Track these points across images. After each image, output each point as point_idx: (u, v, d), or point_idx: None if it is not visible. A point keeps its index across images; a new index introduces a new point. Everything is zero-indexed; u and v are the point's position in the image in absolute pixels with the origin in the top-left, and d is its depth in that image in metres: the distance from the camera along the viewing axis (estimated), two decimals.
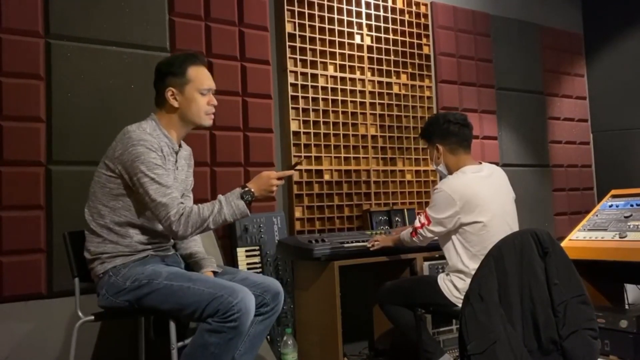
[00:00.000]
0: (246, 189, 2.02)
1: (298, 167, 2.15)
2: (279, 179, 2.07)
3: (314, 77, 3.49)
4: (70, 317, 2.61)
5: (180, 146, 2.20)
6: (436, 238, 2.62)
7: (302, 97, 3.43)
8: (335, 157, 3.55)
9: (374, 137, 3.73)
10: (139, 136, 1.99)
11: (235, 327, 1.87)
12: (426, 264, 3.08)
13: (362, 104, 3.69)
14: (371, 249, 2.88)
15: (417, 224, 2.62)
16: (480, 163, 2.65)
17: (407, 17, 3.96)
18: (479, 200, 2.47)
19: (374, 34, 3.78)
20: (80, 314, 2.10)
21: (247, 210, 2.00)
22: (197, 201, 2.86)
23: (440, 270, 2.99)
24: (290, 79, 3.39)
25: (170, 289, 1.93)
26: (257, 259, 3.09)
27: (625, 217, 3.21)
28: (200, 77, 2.13)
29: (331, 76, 3.57)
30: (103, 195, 2.04)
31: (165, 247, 2.17)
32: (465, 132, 2.63)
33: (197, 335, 1.91)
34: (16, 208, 2.56)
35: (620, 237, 3.07)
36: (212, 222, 1.96)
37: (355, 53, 3.68)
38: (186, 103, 2.11)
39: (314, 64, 3.50)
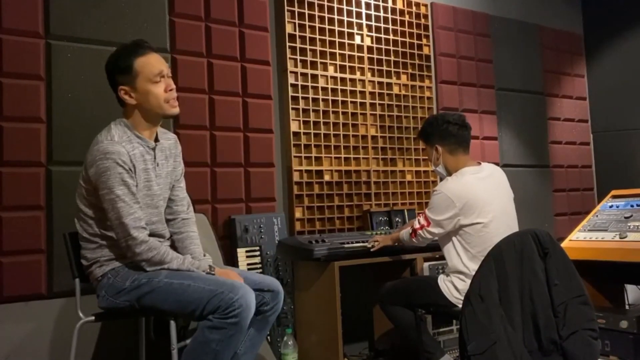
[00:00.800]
0: (213, 271, 2.07)
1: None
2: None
3: (314, 77, 3.49)
4: (70, 317, 2.60)
5: (157, 140, 2.12)
6: (436, 239, 2.62)
7: (302, 97, 3.43)
8: (335, 158, 3.55)
9: (374, 137, 3.73)
10: (106, 148, 1.93)
11: (236, 323, 1.87)
12: (426, 264, 3.08)
13: (362, 104, 3.69)
14: (372, 249, 2.88)
15: (416, 225, 2.62)
16: (480, 163, 2.65)
17: (407, 18, 3.96)
18: (478, 201, 2.47)
19: (374, 34, 3.79)
20: (80, 314, 2.09)
21: (193, 268, 2.02)
22: (197, 201, 2.87)
23: (441, 271, 2.99)
24: (291, 80, 3.39)
25: (170, 287, 1.93)
26: (257, 260, 3.09)
27: (626, 217, 3.21)
28: (147, 65, 2.01)
29: (331, 77, 3.57)
30: (86, 207, 2.03)
31: None
32: (464, 133, 2.63)
33: (198, 332, 1.91)
34: (16, 208, 2.56)
35: (620, 238, 3.07)
36: (167, 265, 1.98)
37: (356, 54, 3.68)
38: (142, 97, 2.01)
39: (314, 65, 3.50)
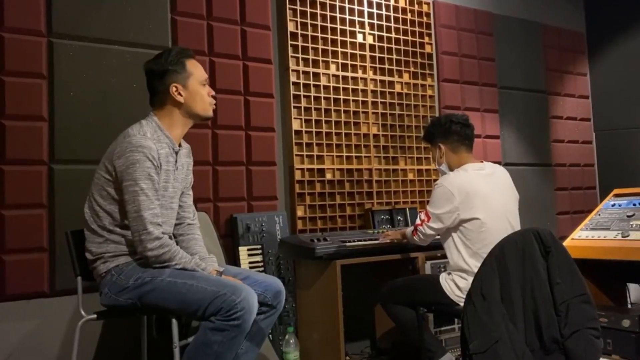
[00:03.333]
0: (221, 272, 2.09)
1: None
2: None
3: (316, 76, 3.49)
4: (72, 315, 2.62)
5: (180, 145, 2.19)
6: (438, 237, 2.62)
7: (304, 96, 3.43)
8: (337, 156, 3.55)
9: (375, 136, 3.73)
10: (139, 142, 1.97)
11: (238, 325, 1.88)
12: (428, 263, 3.08)
13: (364, 102, 3.69)
14: (380, 239, 2.91)
15: (417, 221, 2.64)
16: (482, 162, 2.66)
17: (409, 16, 3.95)
18: (478, 196, 2.48)
19: (376, 32, 3.78)
20: (82, 312, 2.10)
21: (198, 269, 2.03)
22: (199, 199, 2.88)
23: (442, 270, 2.99)
24: (292, 78, 3.39)
25: (173, 286, 1.94)
26: (259, 258, 3.10)
27: (628, 216, 3.21)
28: (198, 69, 2.15)
29: (333, 75, 3.57)
30: (101, 199, 2.04)
31: None
32: (467, 131, 2.64)
33: (200, 333, 1.92)
34: (19, 207, 2.56)
35: (622, 237, 3.06)
36: (175, 264, 1.99)
37: (358, 52, 3.68)
38: (191, 97, 2.11)
39: (316, 63, 3.50)
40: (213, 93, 2.19)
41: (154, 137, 2.04)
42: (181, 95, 2.09)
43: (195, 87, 2.12)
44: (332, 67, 3.57)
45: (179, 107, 2.11)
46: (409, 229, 2.76)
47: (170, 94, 2.08)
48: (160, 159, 2.02)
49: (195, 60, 2.17)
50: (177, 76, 2.09)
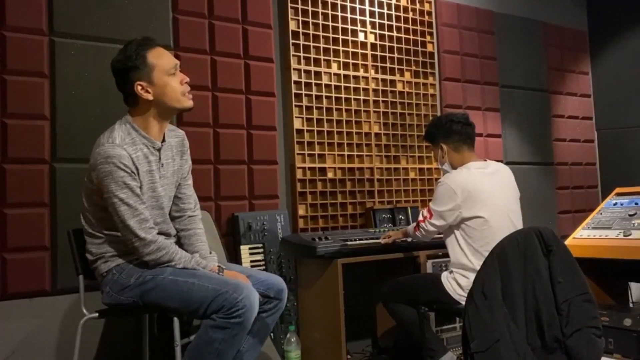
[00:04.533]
0: (222, 272, 2.06)
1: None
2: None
3: (318, 74, 3.49)
4: (74, 314, 2.62)
5: (163, 140, 2.10)
6: (440, 234, 2.62)
7: (306, 94, 3.43)
8: (338, 155, 3.54)
9: (377, 134, 3.72)
10: (107, 152, 1.91)
11: (240, 323, 1.88)
12: (429, 262, 3.08)
13: (366, 101, 3.69)
14: (382, 242, 2.90)
15: (420, 217, 2.65)
16: (485, 160, 2.67)
17: (411, 15, 3.95)
18: (480, 194, 2.48)
19: (377, 31, 3.78)
20: (84, 311, 2.10)
21: (199, 268, 2.02)
22: (201, 198, 2.87)
23: (444, 268, 2.99)
24: (294, 77, 3.39)
25: (175, 284, 1.94)
26: (260, 257, 3.10)
27: (630, 215, 3.20)
28: (162, 58, 2.00)
29: (335, 74, 3.56)
30: (90, 206, 2.04)
31: None
32: (468, 130, 2.65)
33: (202, 331, 1.92)
34: (20, 205, 2.57)
35: (624, 236, 3.06)
36: (174, 263, 1.98)
37: (359, 51, 3.68)
38: (160, 91, 1.98)
39: (317, 62, 3.50)
40: (187, 79, 2.04)
41: (125, 142, 1.97)
42: (148, 92, 1.97)
43: (162, 80, 1.98)
44: (334, 65, 3.57)
45: (151, 104, 2.00)
46: (411, 226, 2.76)
47: (137, 93, 1.97)
48: (136, 163, 1.96)
49: (159, 49, 2.02)
50: (139, 73, 1.96)
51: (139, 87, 1.98)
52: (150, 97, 1.99)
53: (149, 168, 2.04)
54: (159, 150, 2.08)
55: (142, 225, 1.94)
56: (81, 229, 2.14)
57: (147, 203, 2.01)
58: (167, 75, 2.00)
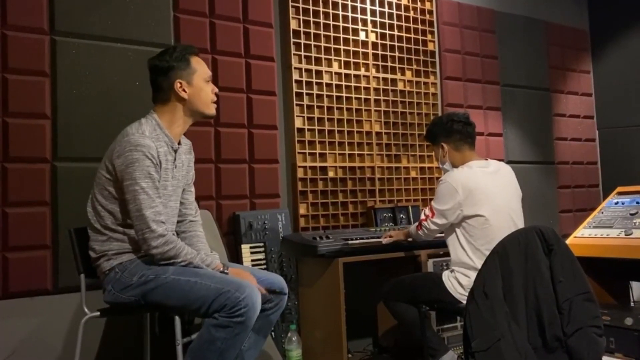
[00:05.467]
0: (227, 271, 2.06)
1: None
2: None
3: (319, 73, 3.49)
4: (75, 313, 2.63)
5: (179, 143, 2.18)
6: (441, 233, 2.62)
7: (307, 94, 3.43)
8: (339, 154, 3.54)
9: (378, 134, 3.72)
10: (137, 141, 1.97)
11: (242, 322, 1.88)
12: (430, 261, 3.08)
13: (367, 100, 3.69)
14: (384, 242, 2.89)
15: (422, 216, 2.65)
16: (487, 159, 2.67)
17: (412, 14, 3.95)
18: (481, 193, 2.48)
19: (378, 30, 3.78)
20: (86, 309, 2.10)
21: (203, 265, 2.02)
22: (202, 197, 2.88)
23: (445, 267, 2.99)
24: (295, 76, 3.39)
25: (177, 283, 1.94)
26: (261, 256, 3.10)
27: (631, 214, 3.20)
28: (202, 66, 2.16)
29: (336, 73, 3.56)
30: (103, 198, 2.04)
31: None
32: (469, 129, 2.65)
33: (204, 330, 1.92)
34: (22, 204, 2.57)
35: (625, 235, 3.05)
36: (181, 261, 1.98)
37: (360, 50, 3.67)
38: (195, 93, 2.11)
39: (318, 61, 3.49)
40: (216, 90, 2.20)
41: (152, 136, 2.03)
42: (185, 91, 2.09)
43: (200, 84, 2.12)
44: (335, 64, 3.57)
45: (183, 104, 2.11)
46: (413, 226, 2.76)
47: (175, 90, 2.08)
48: (159, 157, 2.02)
49: (199, 57, 2.18)
50: (181, 72, 2.09)
51: (178, 85, 2.08)
52: (185, 95, 2.10)
53: (166, 166, 2.08)
54: (175, 151, 2.13)
55: (156, 218, 1.95)
56: (83, 227, 2.14)
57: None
58: (204, 82, 2.14)
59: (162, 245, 1.95)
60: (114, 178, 2.00)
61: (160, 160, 2.03)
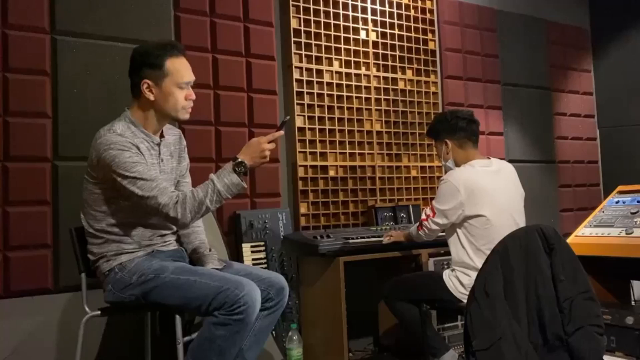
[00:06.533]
0: (238, 160, 1.94)
1: (285, 126, 2.13)
2: (270, 142, 2.00)
3: (319, 72, 3.49)
4: (76, 312, 2.60)
5: (162, 136, 2.13)
6: (442, 233, 2.62)
7: (307, 93, 3.43)
8: (340, 153, 3.54)
9: (379, 133, 3.72)
10: (109, 140, 1.93)
11: (242, 320, 1.88)
12: (431, 260, 3.08)
13: (367, 99, 3.68)
14: (384, 241, 2.89)
15: (422, 216, 2.64)
16: (489, 158, 2.65)
17: (412, 13, 3.95)
18: (483, 192, 2.47)
19: (379, 29, 3.77)
20: (86, 308, 2.11)
21: (243, 183, 1.93)
22: None
23: (446, 266, 2.99)
24: (295, 75, 3.39)
25: (177, 282, 1.94)
26: (262, 255, 3.10)
27: (632, 213, 3.19)
28: (180, 70, 2.02)
29: (336, 72, 3.56)
30: (94, 202, 2.03)
31: (169, 242, 2.17)
32: (473, 127, 2.64)
33: (204, 328, 1.92)
34: (23, 203, 2.57)
35: (626, 234, 3.05)
36: (209, 203, 1.89)
37: (361, 49, 3.67)
38: (163, 97, 2.01)
39: (319, 60, 3.49)
40: (193, 97, 2.07)
41: (126, 134, 1.98)
42: (152, 92, 2.01)
43: (170, 89, 2.01)
44: (335, 64, 3.57)
45: (150, 105, 2.03)
46: (414, 226, 2.75)
47: (141, 90, 2.00)
48: (140, 150, 1.98)
49: (182, 60, 2.05)
50: (151, 72, 2.00)
51: (144, 85, 2.01)
52: (152, 97, 2.02)
53: (151, 161, 2.05)
54: (158, 145, 2.10)
55: (162, 193, 1.89)
56: (83, 226, 2.14)
57: None
58: (176, 87, 2.02)
59: (183, 208, 1.87)
60: (98, 179, 1.98)
61: (143, 153, 1.99)
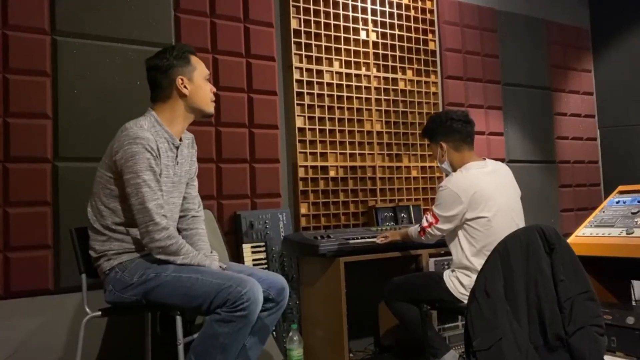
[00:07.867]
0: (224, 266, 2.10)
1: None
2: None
3: (319, 73, 3.49)
4: (77, 312, 2.63)
5: (180, 140, 2.17)
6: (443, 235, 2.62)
7: (308, 93, 3.43)
8: (340, 154, 3.54)
9: (379, 133, 3.72)
10: (136, 133, 1.96)
11: (245, 316, 1.89)
12: (432, 260, 3.08)
13: (368, 100, 3.68)
14: (379, 242, 2.89)
15: (424, 223, 2.62)
16: (484, 159, 2.65)
17: (412, 13, 3.95)
18: (483, 195, 2.47)
19: (379, 29, 3.77)
20: (87, 309, 2.11)
21: (205, 264, 2.02)
22: (203, 197, 2.87)
23: (446, 267, 2.99)
24: (296, 75, 3.39)
25: (178, 281, 1.94)
26: (262, 255, 3.10)
27: (633, 213, 3.20)
28: (201, 64, 2.18)
29: (336, 72, 3.56)
30: (104, 197, 2.03)
31: None
32: (468, 128, 2.64)
33: (207, 326, 1.92)
34: (23, 204, 2.57)
35: (627, 234, 3.05)
36: (179, 260, 1.98)
37: (361, 49, 3.67)
38: (196, 90, 2.12)
39: (319, 60, 3.49)
40: (215, 90, 2.21)
41: (151, 131, 2.02)
42: (187, 87, 2.10)
43: (200, 82, 2.14)
44: (336, 64, 3.57)
45: (184, 100, 2.11)
46: (414, 230, 2.74)
47: (176, 86, 2.09)
48: (159, 151, 2.02)
49: (197, 57, 2.19)
50: (182, 69, 2.11)
51: (180, 81, 2.09)
52: (187, 92, 2.10)
53: (167, 162, 2.08)
54: (177, 148, 2.13)
55: (159, 211, 1.94)
56: (84, 227, 2.14)
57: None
58: (204, 80, 2.16)
59: (165, 239, 1.94)
60: (116, 175, 1.99)
61: (160, 154, 2.02)
